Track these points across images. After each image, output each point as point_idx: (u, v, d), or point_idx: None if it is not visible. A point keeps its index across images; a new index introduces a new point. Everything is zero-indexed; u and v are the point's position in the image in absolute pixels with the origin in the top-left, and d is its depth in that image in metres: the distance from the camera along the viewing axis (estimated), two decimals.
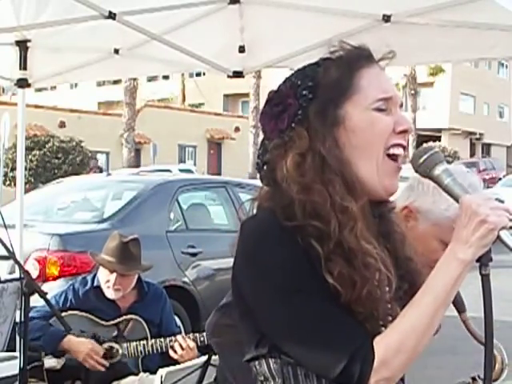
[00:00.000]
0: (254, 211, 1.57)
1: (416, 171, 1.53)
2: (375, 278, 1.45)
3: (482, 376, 2.45)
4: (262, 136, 1.61)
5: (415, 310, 1.41)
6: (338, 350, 1.39)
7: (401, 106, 1.59)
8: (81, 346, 4.14)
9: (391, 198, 1.63)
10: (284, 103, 1.55)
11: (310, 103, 1.54)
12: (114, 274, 4.30)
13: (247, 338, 1.55)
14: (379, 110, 1.54)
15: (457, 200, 1.47)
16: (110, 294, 4.33)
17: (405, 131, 1.55)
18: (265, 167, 1.58)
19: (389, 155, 1.54)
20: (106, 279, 4.34)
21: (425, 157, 1.51)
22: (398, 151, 1.55)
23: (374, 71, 1.57)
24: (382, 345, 1.39)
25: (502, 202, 1.50)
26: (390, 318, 1.46)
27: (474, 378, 2.50)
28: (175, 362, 3.99)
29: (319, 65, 1.59)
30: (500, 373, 2.43)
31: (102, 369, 4.16)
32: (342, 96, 1.54)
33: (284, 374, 1.50)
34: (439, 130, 47.53)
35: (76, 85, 40.37)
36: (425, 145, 1.62)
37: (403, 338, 1.39)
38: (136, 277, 4.42)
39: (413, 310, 1.41)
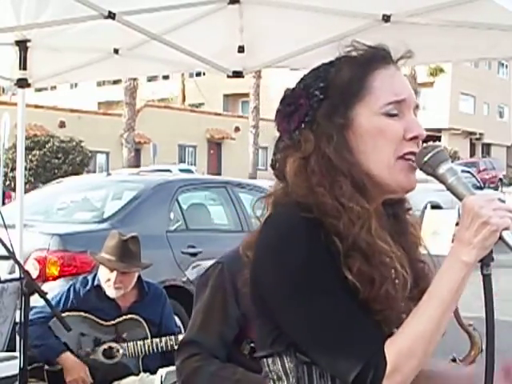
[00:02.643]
0: (269, 208, 1.55)
1: (420, 169, 1.51)
2: (391, 276, 1.46)
3: (460, 358, 2.57)
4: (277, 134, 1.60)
5: (423, 315, 1.41)
6: (353, 357, 1.40)
7: (417, 107, 1.57)
8: (74, 369, 4.16)
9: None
10: (296, 103, 1.55)
11: (321, 104, 1.53)
12: (115, 273, 4.30)
13: (263, 334, 1.54)
14: (390, 115, 1.52)
15: (460, 199, 1.46)
16: (111, 292, 4.33)
17: (415, 137, 1.53)
18: (277, 166, 1.58)
19: (400, 157, 1.52)
20: (106, 278, 4.34)
21: (429, 155, 1.50)
22: (411, 157, 1.52)
23: (388, 72, 1.56)
24: (393, 351, 1.39)
25: (503, 201, 1.50)
26: (404, 316, 1.45)
27: (453, 360, 2.54)
28: None
29: (333, 65, 1.58)
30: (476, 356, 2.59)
31: None
32: (353, 97, 1.53)
33: (298, 373, 1.50)
34: (439, 130, 47.50)
35: (76, 85, 40.34)
36: (425, 144, 1.60)
37: (413, 343, 1.40)
38: (136, 275, 4.43)
39: (421, 314, 1.41)
